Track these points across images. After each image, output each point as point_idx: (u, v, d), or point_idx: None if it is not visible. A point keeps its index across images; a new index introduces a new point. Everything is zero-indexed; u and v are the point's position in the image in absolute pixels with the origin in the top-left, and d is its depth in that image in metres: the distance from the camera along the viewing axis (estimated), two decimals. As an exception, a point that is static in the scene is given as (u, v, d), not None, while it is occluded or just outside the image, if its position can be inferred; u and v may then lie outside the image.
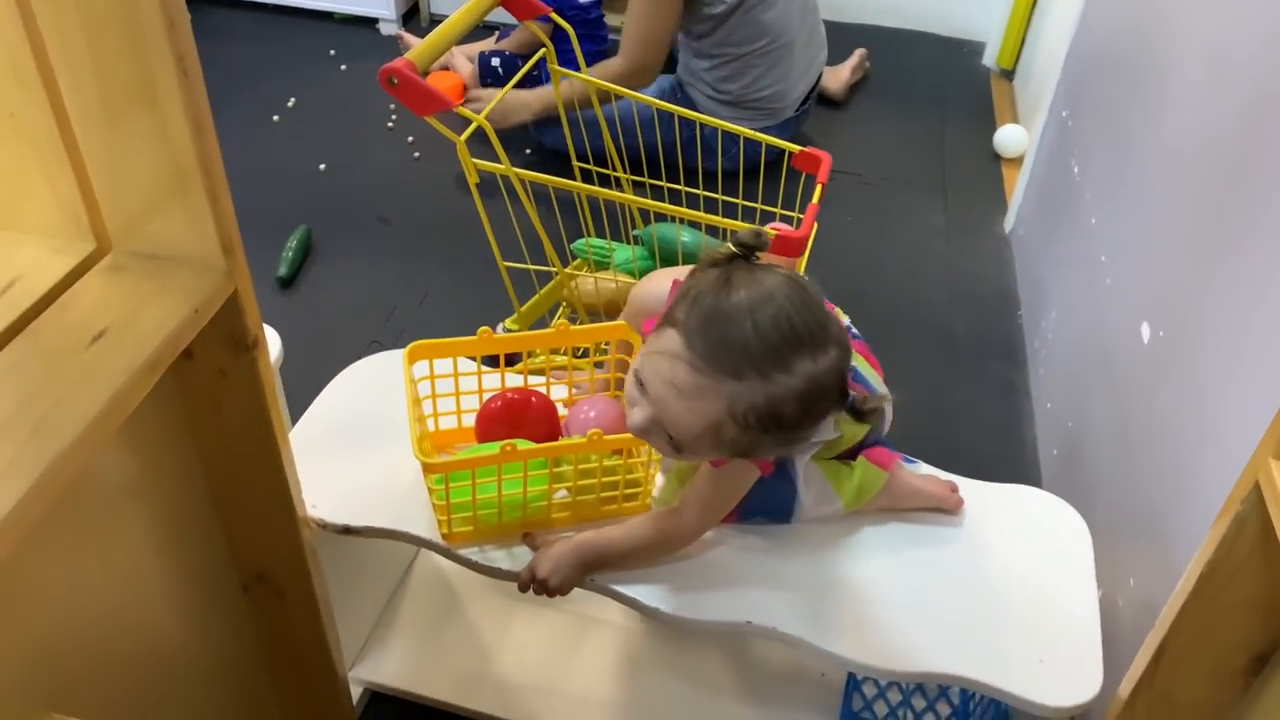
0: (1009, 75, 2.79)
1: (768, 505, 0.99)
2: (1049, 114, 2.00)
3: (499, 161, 1.33)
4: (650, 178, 1.67)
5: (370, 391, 1.12)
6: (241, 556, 0.92)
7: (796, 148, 1.48)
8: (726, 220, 1.36)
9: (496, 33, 2.55)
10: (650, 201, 1.37)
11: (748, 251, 0.80)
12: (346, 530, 0.98)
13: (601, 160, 1.71)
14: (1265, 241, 0.96)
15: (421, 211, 2.13)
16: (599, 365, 1.27)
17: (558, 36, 1.59)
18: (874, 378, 1.03)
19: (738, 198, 1.62)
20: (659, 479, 1.02)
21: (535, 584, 0.93)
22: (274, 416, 0.81)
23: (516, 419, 1.03)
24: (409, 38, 2.64)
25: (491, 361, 1.09)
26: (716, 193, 1.62)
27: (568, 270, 1.54)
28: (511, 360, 1.10)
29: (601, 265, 1.68)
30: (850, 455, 1.02)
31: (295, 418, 1.10)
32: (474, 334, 1.01)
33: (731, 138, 1.98)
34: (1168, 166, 1.27)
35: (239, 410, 0.80)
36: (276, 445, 0.83)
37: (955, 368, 1.82)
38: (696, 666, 1.22)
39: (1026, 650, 0.92)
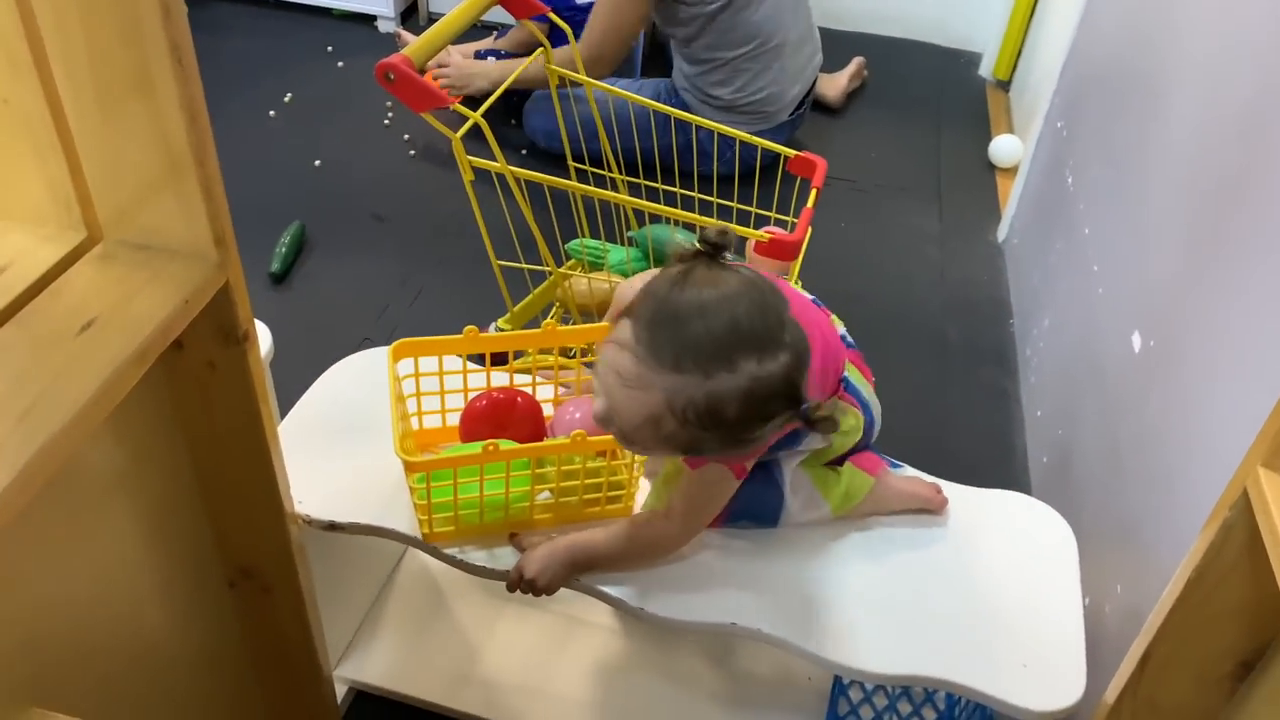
0: (1005, 86, 2.80)
1: (754, 510, 0.99)
2: (1044, 124, 2.01)
3: (494, 159, 1.33)
4: (646, 179, 1.68)
5: (359, 388, 1.11)
6: (228, 551, 0.92)
7: (792, 152, 1.48)
8: (722, 223, 1.36)
9: (494, 32, 2.55)
10: (645, 203, 1.37)
11: (713, 250, 0.80)
12: (332, 526, 0.98)
13: (597, 161, 1.71)
14: (1257, 252, 0.96)
15: (416, 209, 2.13)
16: (589, 366, 1.27)
17: (555, 35, 1.59)
18: (866, 388, 1.03)
19: (733, 201, 1.62)
20: (644, 484, 1.02)
21: (523, 584, 0.93)
22: (263, 410, 0.81)
23: (501, 418, 1.02)
24: (406, 35, 2.64)
25: (480, 361, 1.09)
26: (712, 196, 1.62)
27: (562, 270, 1.54)
28: (499, 360, 1.10)
29: (595, 266, 1.68)
30: (838, 461, 1.02)
31: (284, 413, 1.10)
32: (463, 332, 1.01)
33: (726, 141, 1.98)
34: (1161, 178, 1.28)
35: (228, 403, 0.80)
36: (265, 440, 0.83)
37: (947, 374, 1.82)
38: (682, 668, 1.21)
39: (1011, 654, 0.93)
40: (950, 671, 0.91)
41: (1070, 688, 0.90)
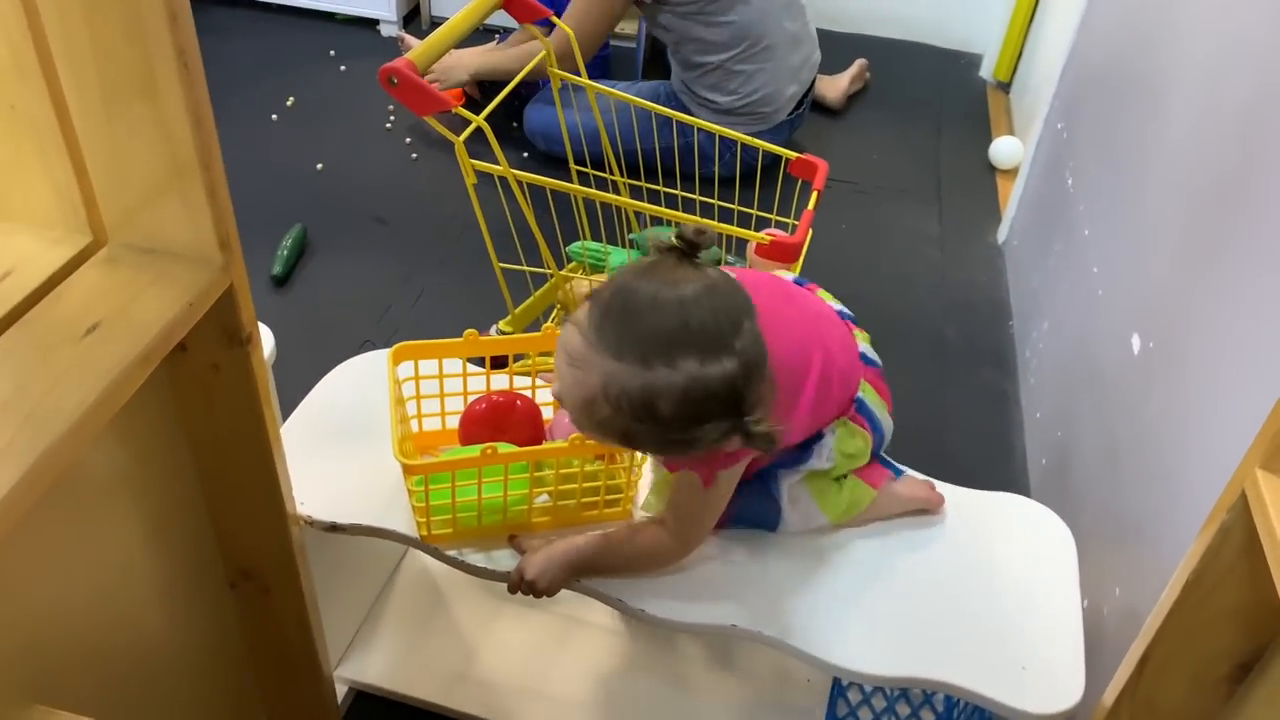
0: (1005, 87, 2.80)
1: (751, 519, 1.00)
2: (1044, 126, 2.02)
3: (497, 163, 1.34)
4: (647, 182, 1.68)
5: (360, 390, 1.12)
6: (230, 552, 0.92)
7: (793, 154, 1.49)
8: (722, 225, 1.37)
9: (496, 36, 2.56)
10: (646, 205, 1.38)
11: (687, 246, 0.80)
12: (334, 528, 0.98)
13: (598, 164, 1.72)
14: (1256, 255, 0.97)
15: (417, 212, 2.14)
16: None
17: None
18: (881, 409, 1.01)
19: (733, 203, 1.63)
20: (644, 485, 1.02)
21: (523, 585, 0.94)
22: (266, 412, 0.81)
23: (500, 421, 1.03)
24: (410, 39, 2.64)
25: (480, 363, 1.09)
26: (713, 198, 1.63)
27: (563, 273, 1.54)
28: (499, 363, 1.10)
29: (597, 268, 1.69)
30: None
31: (286, 415, 1.10)
32: (463, 335, 1.01)
33: (726, 143, 1.99)
34: (1161, 180, 1.28)
35: (231, 405, 0.80)
36: (268, 441, 0.83)
37: (947, 375, 1.83)
38: (682, 669, 1.22)
39: (1010, 657, 0.93)
40: (949, 674, 0.91)
41: (1069, 690, 0.90)
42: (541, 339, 1.04)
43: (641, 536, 0.95)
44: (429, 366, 1.03)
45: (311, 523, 0.97)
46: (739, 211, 1.61)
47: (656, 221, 1.62)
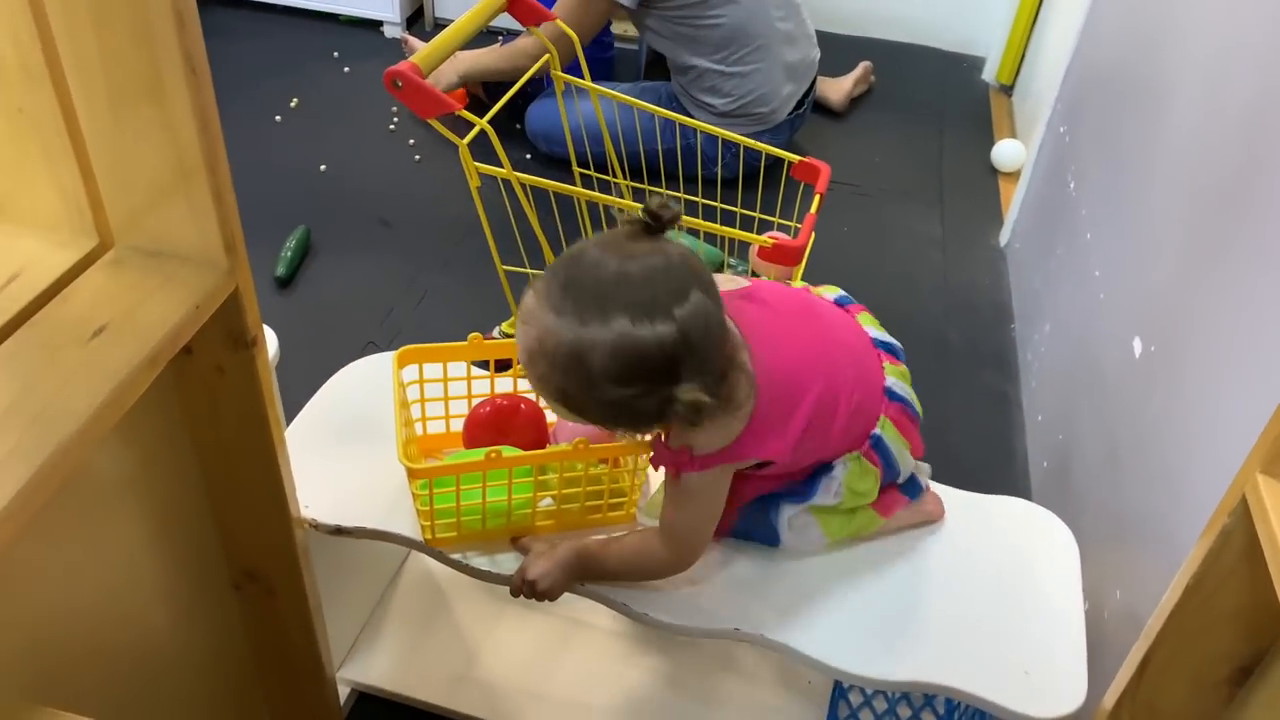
0: (1008, 90, 2.80)
1: (751, 538, 0.99)
2: (1046, 130, 2.02)
3: (500, 165, 1.34)
4: (649, 184, 1.68)
5: (364, 393, 1.12)
6: (234, 554, 0.92)
7: (796, 157, 1.49)
8: (725, 228, 1.37)
9: (500, 38, 2.56)
10: (649, 208, 1.38)
11: (652, 219, 0.80)
12: (338, 531, 0.98)
13: (600, 166, 1.72)
14: (1258, 258, 0.97)
15: (421, 214, 2.14)
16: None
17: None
18: (901, 448, 0.96)
19: (736, 206, 1.63)
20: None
21: (526, 588, 0.94)
22: (271, 415, 0.82)
23: (504, 425, 1.03)
24: (413, 41, 2.65)
25: (484, 366, 1.09)
26: (715, 200, 1.63)
27: (565, 275, 1.54)
28: (504, 366, 1.11)
29: (599, 271, 1.69)
30: None
31: (290, 417, 1.10)
32: (467, 338, 1.02)
33: (727, 145, 1.99)
34: (1163, 183, 1.28)
35: (236, 407, 0.80)
36: (272, 444, 0.83)
37: (948, 378, 1.83)
38: (683, 672, 1.22)
39: (1012, 660, 0.93)
40: (951, 678, 0.91)
41: (1072, 694, 0.90)
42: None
43: (642, 544, 0.95)
44: (433, 370, 1.03)
45: (316, 526, 0.98)
46: (742, 214, 1.61)
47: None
